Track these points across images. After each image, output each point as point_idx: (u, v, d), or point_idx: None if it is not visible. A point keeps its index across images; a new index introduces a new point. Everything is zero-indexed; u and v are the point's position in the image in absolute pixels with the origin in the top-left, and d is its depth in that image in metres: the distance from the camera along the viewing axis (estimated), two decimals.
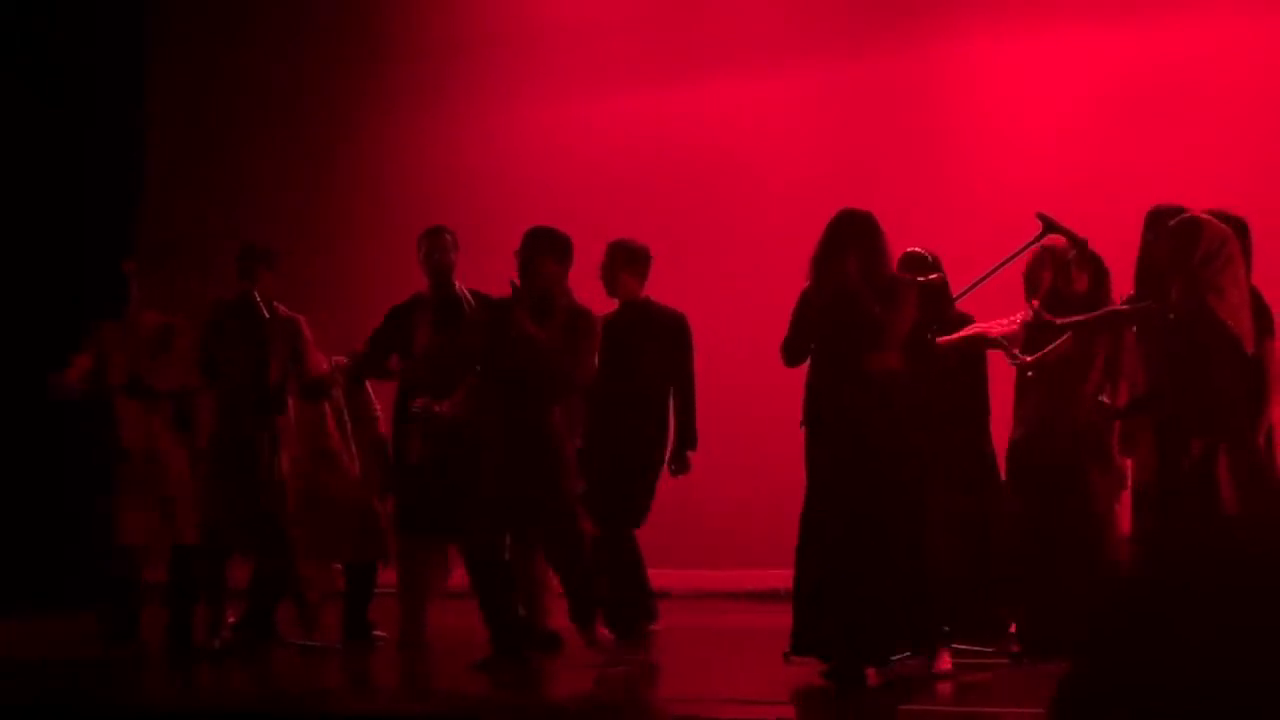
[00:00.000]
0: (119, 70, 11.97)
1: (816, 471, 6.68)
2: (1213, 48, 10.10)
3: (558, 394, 7.19)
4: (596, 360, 7.27)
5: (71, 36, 11.65)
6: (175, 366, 7.91)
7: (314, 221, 11.81)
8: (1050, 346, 7.19)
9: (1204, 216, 6.83)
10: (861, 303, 6.53)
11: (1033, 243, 7.47)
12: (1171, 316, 6.74)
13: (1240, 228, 7.02)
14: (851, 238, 6.65)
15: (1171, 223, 6.84)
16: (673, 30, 11.22)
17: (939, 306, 7.25)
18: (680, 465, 8.05)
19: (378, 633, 8.14)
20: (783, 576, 10.22)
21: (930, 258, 7.51)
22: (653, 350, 7.98)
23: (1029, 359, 7.19)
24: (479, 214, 10.59)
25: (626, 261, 8.11)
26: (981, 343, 7.34)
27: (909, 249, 7.40)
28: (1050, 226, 7.42)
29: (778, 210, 10.76)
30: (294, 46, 12.14)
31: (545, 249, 7.21)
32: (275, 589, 7.78)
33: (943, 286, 7.37)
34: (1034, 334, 7.25)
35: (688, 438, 8.04)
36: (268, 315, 7.70)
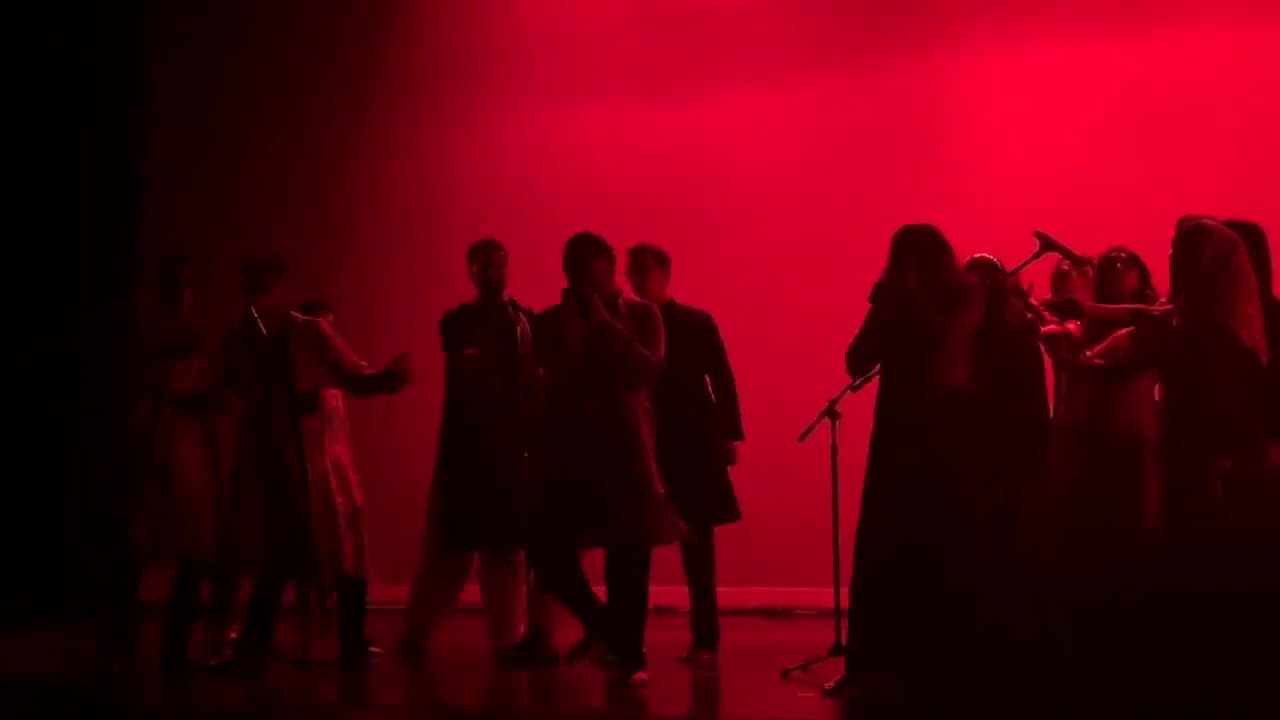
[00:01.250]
0: (119, 70, 11.95)
1: (876, 483, 6.70)
2: (1217, 61, 10.13)
3: (640, 382, 7.21)
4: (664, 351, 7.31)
5: (71, 36, 11.63)
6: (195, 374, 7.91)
7: (313, 222, 11.82)
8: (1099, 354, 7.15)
9: (1211, 223, 6.79)
10: (920, 312, 6.60)
11: (1029, 261, 7.48)
12: (1175, 322, 6.71)
13: (1256, 234, 6.98)
14: (910, 251, 6.74)
15: (1177, 230, 6.81)
16: (671, 42, 11.25)
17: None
18: (728, 456, 8.14)
19: (374, 649, 8.14)
20: (781, 594, 10.42)
21: (998, 264, 7.55)
22: (686, 349, 7.99)
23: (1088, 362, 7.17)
24: (476, 218, 10.59)
25: (657, 263, 8.15)
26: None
27: (976, 255, 7.43)
28: (1048, 245, 7.43)
29: (774, 222, 10.82)
30: (294, 47, 12.13)
31: (596, 252, 7.29)
32: (275, 606, 7.78)
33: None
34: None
35: (734, 429, 8.13)
36: (265, 332, 7.67)
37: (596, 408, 7.14)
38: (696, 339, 8.09)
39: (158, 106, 12.20)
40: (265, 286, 7.80)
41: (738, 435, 8.17)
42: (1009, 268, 7.47)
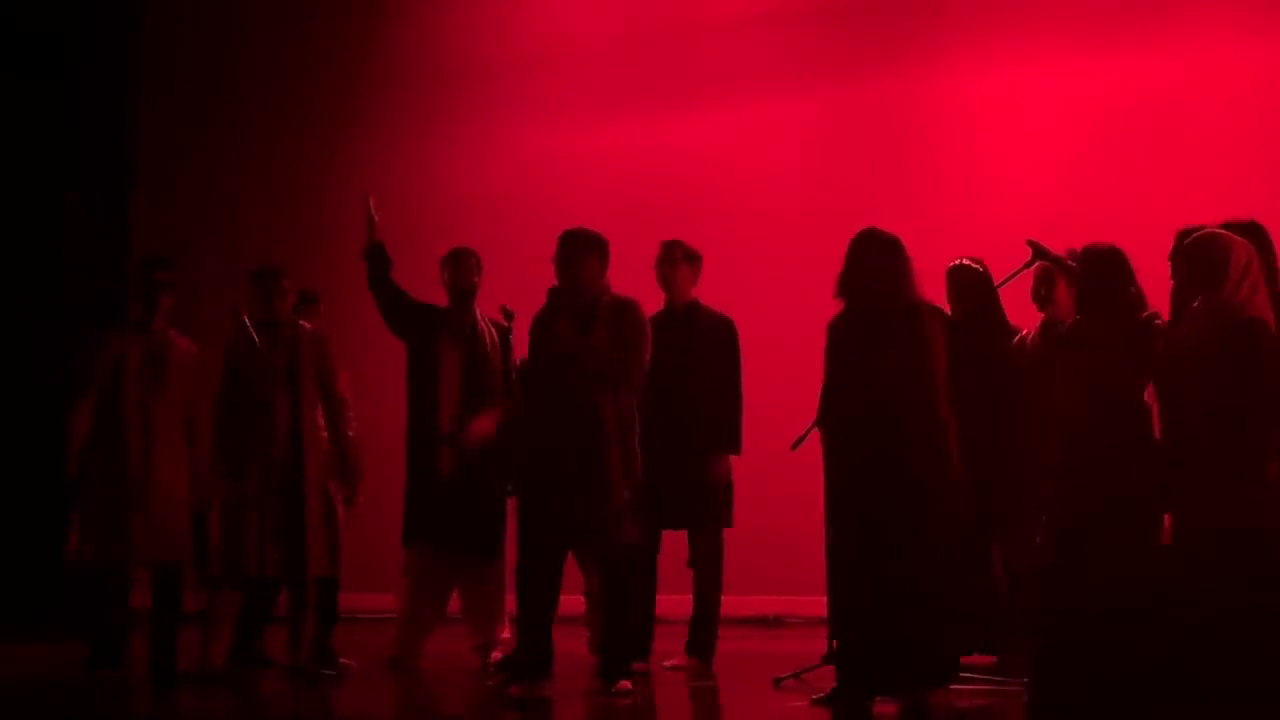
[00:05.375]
0: (115, 70, 11.95)
1: (837, 490, 6.58)
2: (1200, 74, 10.21)
3: (619, 385, 7.11)
4: (648, 355, 7.22)
5: (69, 35, 11.62)
6: (173, 386, 7.76)
7: (307, 227, 11.82)
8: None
9: (1227, 234, 6.45)
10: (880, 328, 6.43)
11: (1021, 270, 7.49)
12: (1186, 329, 6.49)
13: (1258, 233, 6.74)
14: (853, 261, 6.61)
15: (1190, 241, 6.46)
16: (668, 56, 11.33)
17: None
18: (721, 469, 8.03)
19: (344, 661, 8.06)
20: (773, 602, 10.40)
21: (980, 268, 7.49)
22: (703, 351, 7.98)
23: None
24: (472, 228, 10.57)
25: (685, 260, 8.12)
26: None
27: (957, 260, 7.33)
28: (1040, 253, 7.44)
29: (769, 235, 10.83)
30: (294, 52, 12.15)
31: (586, 248, 7.21)
32: (266, 612, 7.74)
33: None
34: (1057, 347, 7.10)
35: (732, 442, 8.03)
36: (278, 339, 7.66)
37: (569, 409, 7.08)
38: (715, 343, 8.04)
39: (153, 107, 12.21)
40: (283, 291, 7.79)
41: (734, 448, 8.07)
42: (999, 275, 7.48)
